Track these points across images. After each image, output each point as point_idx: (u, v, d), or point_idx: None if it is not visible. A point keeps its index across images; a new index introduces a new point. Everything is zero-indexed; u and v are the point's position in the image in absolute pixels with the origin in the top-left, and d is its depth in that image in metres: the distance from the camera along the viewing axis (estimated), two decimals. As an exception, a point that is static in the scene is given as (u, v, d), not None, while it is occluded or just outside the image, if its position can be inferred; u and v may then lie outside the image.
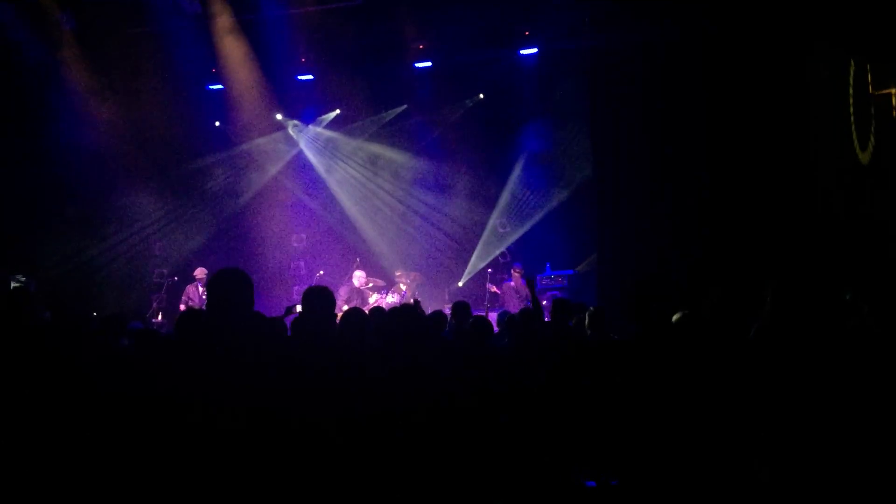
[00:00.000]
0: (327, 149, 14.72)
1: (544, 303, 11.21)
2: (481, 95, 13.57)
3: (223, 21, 11.90)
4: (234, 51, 12.43)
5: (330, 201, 14.72)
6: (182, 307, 12.04)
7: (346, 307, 10.99)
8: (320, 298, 4.09)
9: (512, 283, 12.26)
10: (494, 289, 12.36)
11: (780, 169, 9.40)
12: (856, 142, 8.98)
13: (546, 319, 7.77)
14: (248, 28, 12.12)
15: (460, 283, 13.51)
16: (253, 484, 2.95)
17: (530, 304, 8.54)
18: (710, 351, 3.57)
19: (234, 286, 3.18)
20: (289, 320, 7.53)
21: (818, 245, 8.65)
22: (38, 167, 12.56)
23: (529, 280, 8.06)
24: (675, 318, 4.35)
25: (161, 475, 2.97)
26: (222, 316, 3.15)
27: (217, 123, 14.42)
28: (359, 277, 12.42)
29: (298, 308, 8.67)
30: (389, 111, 14.04)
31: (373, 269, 13.22)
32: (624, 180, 11.28)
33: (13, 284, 10.82)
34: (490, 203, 13.85)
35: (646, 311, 3.57)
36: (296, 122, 14.57)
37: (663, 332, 3.53)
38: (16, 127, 12.14)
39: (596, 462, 4.96)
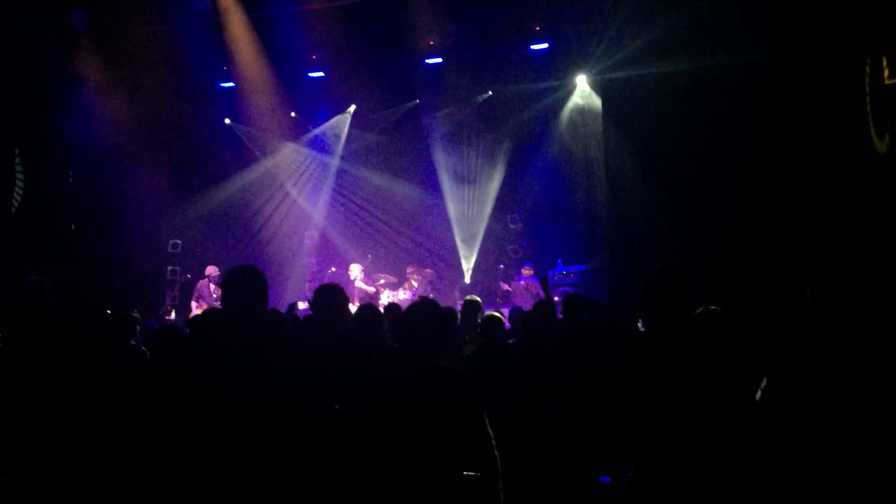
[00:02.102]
0: (337, 145, 14.74)
1: (556, 298, 11.20)
2: (489, 93, 13.55)
3: (233, 18, 11.91)
4: (244, 48, 12.45)
5: (342, 198, 14.74)
6: (193, 304, 12.09)
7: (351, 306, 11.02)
8: (331, 296, 4.09)
9: (522, 282, 12.25)
10: (507, 287, 12.36)
11: (801, 167, 9.32)
12: (873, 131, 8.87)
13: (558, 316, 7.75)
14: (259, 25, 12.13)
15: (467, 280, 13.48)
16: (269, 480, 2.95)
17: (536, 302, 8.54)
18: (726, 348, 3.54)
19: (248, 283, 3.17)
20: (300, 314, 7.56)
21: (840, 244, 8.57)
22: (50, 164, 12.62)
23: (543, 280, 8.06)
24: (696, 313, 4.34)
25: (175, 472, 2.97)
26: (237, 313, 3.14)
27: (227, 121, 14.47)
28: (352, 270, 12.45)
29: (301, 305, 8.73)
30: (400, 106, 14.04)
31: (384, 266, 13.22)
32: (638, 174, 11.24)
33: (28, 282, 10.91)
34: (502, 198, 13.84)
35: (657, 306, 3.53)
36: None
37: (678, 328, 3.49)
38: (28, 124, 12.19)
39: (611, 458, 4.96)
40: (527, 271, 12.38)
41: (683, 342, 3.42)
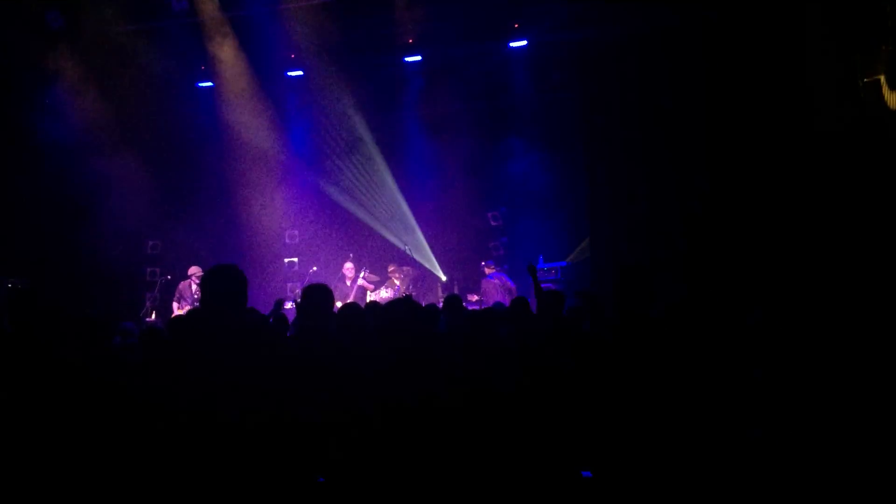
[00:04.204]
0: (319, 143, 14.69)
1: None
2: (469, 90, 13.55)
3: (211, 17, 11.85)
4: (222, 48, 12.39)
5: (323, 197, 14.69)
6: (175, 304, 12.03)
7: (339, 303, 11.03)
8: (320, 295, 4.10)
9: (494, 280, 12.14)
10: (475, 297, 12.21)
11: (782, 161, 9.41)
12: (884, 81, 8.94)
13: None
14: (237, 24, 12.09)
15: (443, 277, 13.45)
16: (252, 481, 2.94)
17: (514, 297, 8.51)
18: (700, 341, 3.58)
19: (227, 283, 3.16)
20: (289, 313, 7.54)
21: (822, 242, 8.64)
22: (27, 166, 12.49)
23: (531, 267, 7.89)
24: (664, 307, 4.37)
25: (157, 473, 2.96)
26: (216, 312, 3.13)
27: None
28: (348, 269, 12.49)
29: (288, 304, 8.70)
30: (381, 104, 13.97)
31: (366, 265, 13.19)
32: (617, 170, 11.31)
33: (9, 286, 10.82)
34: (482, 195, 13.85)
35: (629, 300, 3.56)
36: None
37: (644, 322, 3.53)
38: (1, 123, 12.08)
39: (593, 452, 4.98)
40: (489, 269, 12.33)
41: (648, 337, 3.45)
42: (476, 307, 11.66)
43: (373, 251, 14.06)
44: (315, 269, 13.17)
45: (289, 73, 13.44)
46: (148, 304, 12.63)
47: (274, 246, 14.69)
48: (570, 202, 12.69)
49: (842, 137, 8.73)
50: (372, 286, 12.50)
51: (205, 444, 2.89)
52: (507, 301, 9.97)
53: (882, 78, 8.83)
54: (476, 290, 12.36)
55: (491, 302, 11.53)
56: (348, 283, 12.43)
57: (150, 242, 14.16)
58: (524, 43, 12.43)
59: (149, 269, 13.88)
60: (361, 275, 12.51)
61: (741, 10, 9.62)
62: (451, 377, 4.05)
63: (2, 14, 10.91)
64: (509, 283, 12.06)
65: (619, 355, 3.45)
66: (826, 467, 3.24)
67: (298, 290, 12.96)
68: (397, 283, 12.42)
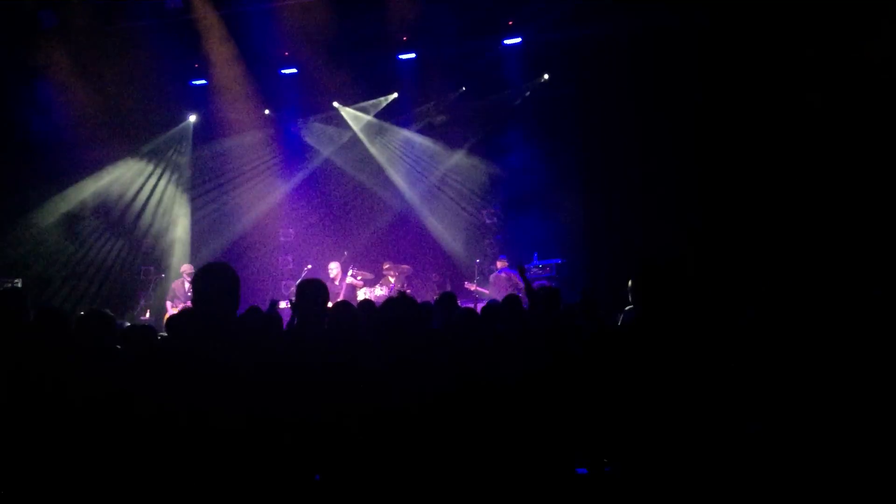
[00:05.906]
0: (317, 141, 14.67)
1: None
2: (464, 88, 13.55)
3: (205, 16, 11.83)
4: (216, 46, 12.36)
5: (317, 195, 14.68)
6: (168, 304, 12.00)
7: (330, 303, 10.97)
8: (313, 290, 4.09)
9: (502, 274, 12.19)
10: (474, 287, 12.22)
11: (776, 157, 9.43)
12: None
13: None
14: (230, 22, 12.06)
15: (434, 276, 13.44)
16: (248, 480, 2.94)
17: (521, 293, 8.52)
18: (705, 337, 3.57)
19: (219, 282, 3.14)
20: (285, 314, 7.51)
21: (813, 238, 8.66)
22: (19, 165, 12.45)
23: (520, 267, 7.98)
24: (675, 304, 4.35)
25: (151, 473, 2.95)
26: (208, 312, 3.12)
27: (192, 118, 14.34)
28: (332, 269, 12.44)
29: (282, 304, 8.68)
30: (375, 101, 14.01)
31: (361, 262, 13.19)
32: (613, 167, 11.32)
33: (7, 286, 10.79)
34: (477, 193, 13.84)
35: (652, 295, 3.54)
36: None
37: (667, 317, 3.51)
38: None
39: (588, 449, 4.98)
40: (501, 263, 12.34)
41: (671, 333, 3.43)
42: (471, 299, 11.72)
43: (368, 248, 14.05)
44: (310, 266, 13.15)
45: (282, 71, 13.41)
46: (142, 302, 12.61)
47: (268, 244, 14.67)
48: (564, 199, 12.68)
49: (838, 137, 8.75)
50: (362, 283, 12.45)
51: (200, 442, 2.88)
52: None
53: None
54: (474, 279, 12.40)
55: (497, 296, 11.54)
56: (336, 282, 12.38)
57: (145, 241, 14.13)
58: (518, 40, 12.43)
59: (143, 268, 13.85)
60: (350, 273, 12.45)
61: (737, 12, 9.63)
62: (446, 374, 4.04)
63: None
64: (519, 282, 12.06)
65: (637, 352, 3.43)
66: (824, 462, 3.25)
67: (293, 289, 13.00)
68: (392, 280, 12.40)
